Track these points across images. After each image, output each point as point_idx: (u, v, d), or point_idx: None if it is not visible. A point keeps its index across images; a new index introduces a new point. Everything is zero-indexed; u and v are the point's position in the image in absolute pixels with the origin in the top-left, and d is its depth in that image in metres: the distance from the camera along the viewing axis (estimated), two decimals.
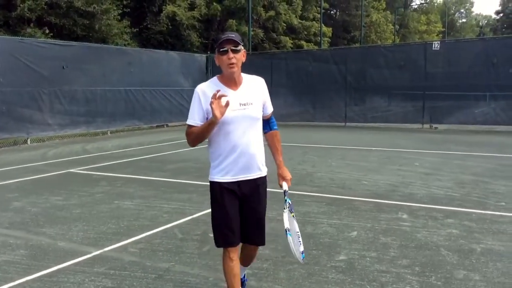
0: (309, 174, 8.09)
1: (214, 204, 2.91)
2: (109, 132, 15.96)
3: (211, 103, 2.58)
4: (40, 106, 13.57)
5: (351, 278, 3.69)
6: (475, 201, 6.06)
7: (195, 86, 2.83)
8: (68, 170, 8.82)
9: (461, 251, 4.26)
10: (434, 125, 16.07)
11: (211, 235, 4.64)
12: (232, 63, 2.71)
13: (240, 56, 2.75)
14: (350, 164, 9.08)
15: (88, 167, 9.17)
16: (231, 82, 2.79)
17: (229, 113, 2.67)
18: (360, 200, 6.20)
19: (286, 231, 2.80)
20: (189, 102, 2.84)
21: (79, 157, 10.64)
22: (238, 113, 2.75)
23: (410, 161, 9.22)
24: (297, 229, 2.88)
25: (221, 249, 2.97)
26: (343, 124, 17.48)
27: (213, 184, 2.89)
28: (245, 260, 3.22)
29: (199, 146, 2.82)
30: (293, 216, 2.93)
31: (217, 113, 2.59)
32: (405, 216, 5.43)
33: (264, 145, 3.00)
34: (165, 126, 18.23)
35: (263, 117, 2.98)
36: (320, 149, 11.32)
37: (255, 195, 2.91)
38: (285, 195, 2.97)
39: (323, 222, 5.21)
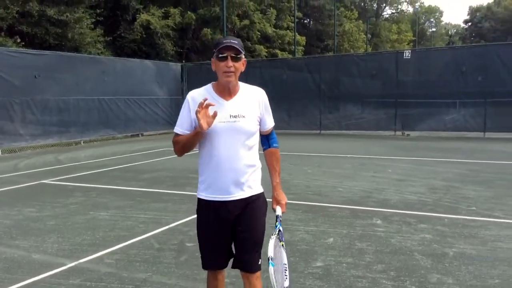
0: (286, 181, 8.14)
1: (199, 223, 2.68)
2: (82, 142, 15.73)
3: (196, 113, 2.36)
4: (12, 116, 13.32)
5: (328, 284, 3.74)
6: (447, 206, 6.20)
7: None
8: (41, 181, 8.67)
9: (434, 255, 4.36)
10: (406, 132, 16.39)
11: (188, 244, 4.68)
12: (230, 72, 2.50)
13: (240, 65, 2.55)
14: (325, 171, 9.18)
15: (61, 177, 9.02)
16: (225, 91, 2.58)
17: (217, 125, 2.45)
18: (336, 206, 6.28)
19: (269, 260, 2.39)
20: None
21: (52, 167, 10.46)
22: (227, 125, 2.50)
23: (384, 168, 9.38)
24: (285, 261, 2.58)
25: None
26: (318, 132, 17.67)
27: (199, 201, 2.66)
28: None
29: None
30: (282, 245, 2.64)
31: (203, 123, 2.36)
32: (379, 222, 5.52)
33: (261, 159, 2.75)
34: (139, 135, 18.04)
35: (262, 132, 2.73)
36: (296, 156, 11.40)
37: (246, 215, 2.59)
38: (277, 220, 2.68)
39: (300, 229, 5.25)
